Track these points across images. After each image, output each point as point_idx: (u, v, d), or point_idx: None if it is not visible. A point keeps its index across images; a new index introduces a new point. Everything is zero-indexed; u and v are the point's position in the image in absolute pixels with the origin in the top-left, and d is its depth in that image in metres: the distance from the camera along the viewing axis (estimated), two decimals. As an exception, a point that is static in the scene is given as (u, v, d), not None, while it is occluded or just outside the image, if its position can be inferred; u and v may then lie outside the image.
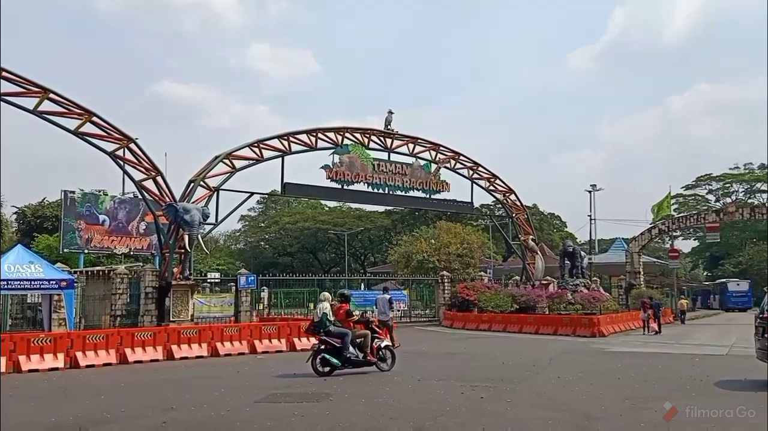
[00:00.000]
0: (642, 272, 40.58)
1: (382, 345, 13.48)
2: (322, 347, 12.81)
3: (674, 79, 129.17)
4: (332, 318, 13.05)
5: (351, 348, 12.86)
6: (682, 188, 73.43)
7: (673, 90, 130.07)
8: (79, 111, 21.10)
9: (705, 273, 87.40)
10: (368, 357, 13.09)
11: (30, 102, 20.37)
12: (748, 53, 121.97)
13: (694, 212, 54.60)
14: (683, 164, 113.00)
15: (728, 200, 66.04)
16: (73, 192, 36.38)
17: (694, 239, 77.63)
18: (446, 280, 33.80)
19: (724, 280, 60.72)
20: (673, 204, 53.26)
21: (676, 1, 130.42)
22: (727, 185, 72.67)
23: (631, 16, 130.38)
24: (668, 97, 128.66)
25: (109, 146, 22.18)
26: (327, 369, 12.73)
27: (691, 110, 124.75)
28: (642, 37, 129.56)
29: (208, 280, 32.25)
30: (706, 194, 74.76)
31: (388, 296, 18.67)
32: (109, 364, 15.22)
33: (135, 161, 22.47)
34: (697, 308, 53.82)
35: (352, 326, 13.33)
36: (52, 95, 20.41)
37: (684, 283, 60.20)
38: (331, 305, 13.26)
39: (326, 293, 13.98)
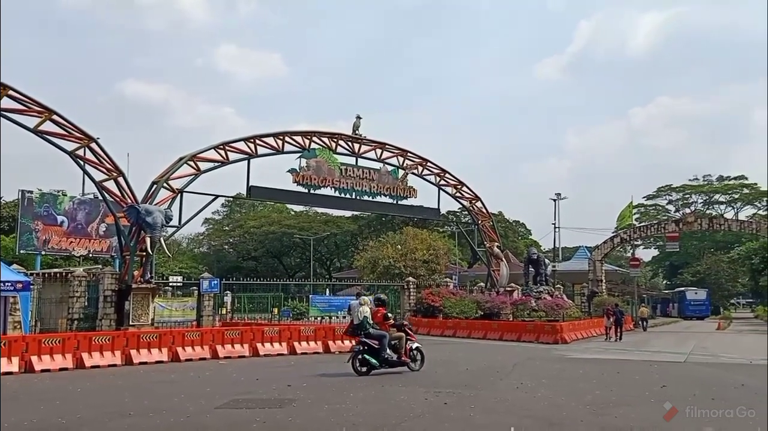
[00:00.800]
0: (604, 280, 41.30)
1: (413, 347, 14.09)
2: (362, 348, 13.38)
3: (637, 92, 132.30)
4: (371, 321, 13.68)
5: (387, 350, 13.45)
6: (644, 198, 75.24)
7: (636, 102, 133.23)
8: (38, 109, 20.61)
9: (664, 282, 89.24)
10: (402, 358, 13.73)
11: (-13, 98, 19.83)
12: (707, 68, 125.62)
13: (654, 221, 55.76)
14: (645, 174, 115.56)
15: (687, 210, 67.63)
16: (31, 192, 35.40)
17: (655, 248, 79.44)
18: (412, 286, 33.85)
19: (682, 289, 62.05)
20: (634, 214, 54.38)
21: (640, 15, 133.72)
22: (687, 196, 74.60)
23: (597, 28, 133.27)
24: (631, 109, 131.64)
25: (70, 145, 21.72)
26: (365, 368, 13.29)
27: (653, 122, 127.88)
28: (607, 50, 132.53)
29: (170, 284, 31.78)
30: (667, 204, 76.70)
31: None
32: (66, 369, 14.85)
33: (96, 160, 22.03)
34: (656, 316, 54.89)
35: (389, 328, 13.85)
36: (10, 92, 19.89)
37: (644, 291, 61.30)
38: (369, 308, 13.91)
39: (366, 298, 14.80)
